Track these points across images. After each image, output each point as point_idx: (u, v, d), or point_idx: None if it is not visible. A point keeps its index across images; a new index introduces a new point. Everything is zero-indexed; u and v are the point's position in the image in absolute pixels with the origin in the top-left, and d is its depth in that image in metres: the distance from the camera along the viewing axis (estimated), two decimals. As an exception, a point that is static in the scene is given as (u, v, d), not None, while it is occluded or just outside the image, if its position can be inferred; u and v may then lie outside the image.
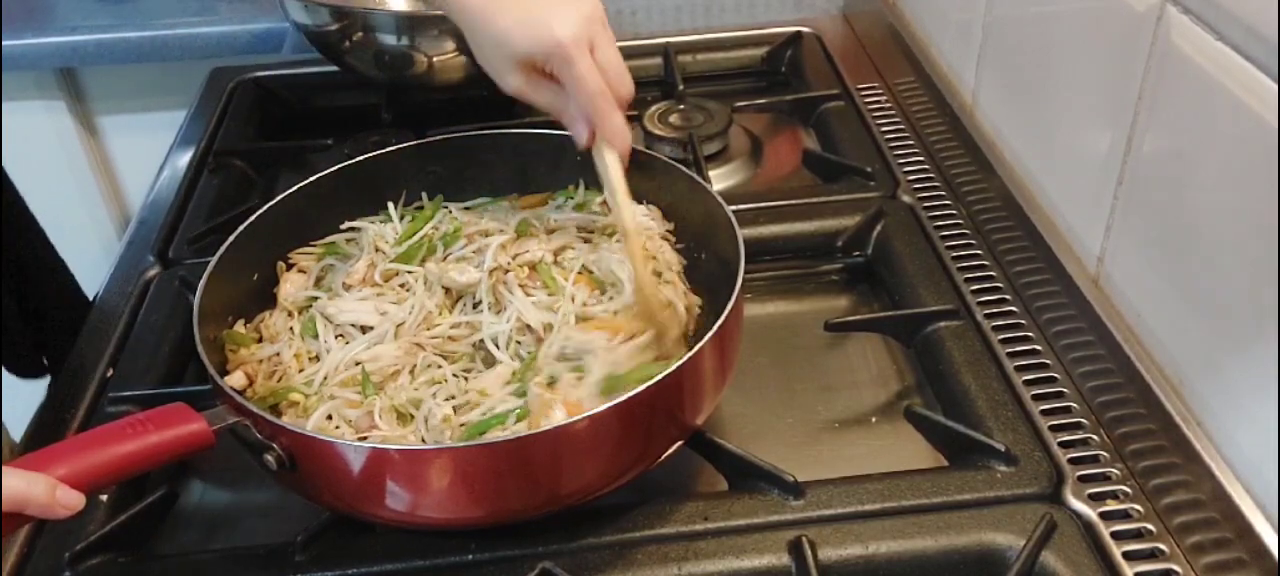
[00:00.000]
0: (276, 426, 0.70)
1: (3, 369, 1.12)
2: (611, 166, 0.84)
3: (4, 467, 0.61)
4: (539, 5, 0.80)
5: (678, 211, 0.94)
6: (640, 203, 0.94)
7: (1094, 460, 0.81)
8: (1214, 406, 0.74)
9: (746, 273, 0.81)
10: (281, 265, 0.92)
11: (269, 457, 0.71)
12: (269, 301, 0.90)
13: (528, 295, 0.85)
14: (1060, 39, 0.94)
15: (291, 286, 0.90)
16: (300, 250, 0.94)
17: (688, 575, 0.74)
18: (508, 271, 0.88)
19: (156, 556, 0.81)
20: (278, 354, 0.83)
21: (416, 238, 0.91)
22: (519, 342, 0.82)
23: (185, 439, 0.69)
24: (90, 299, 1.09)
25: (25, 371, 1.13)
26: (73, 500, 0.63)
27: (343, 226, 0.95)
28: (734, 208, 0.86)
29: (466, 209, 0.98)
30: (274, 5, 1.27)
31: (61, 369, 0.98)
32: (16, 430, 1.00)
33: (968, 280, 0.99)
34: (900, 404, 0.91)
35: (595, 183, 0.98)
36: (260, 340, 0.86)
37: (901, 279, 0.99)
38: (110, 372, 0.95)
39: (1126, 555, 0.73)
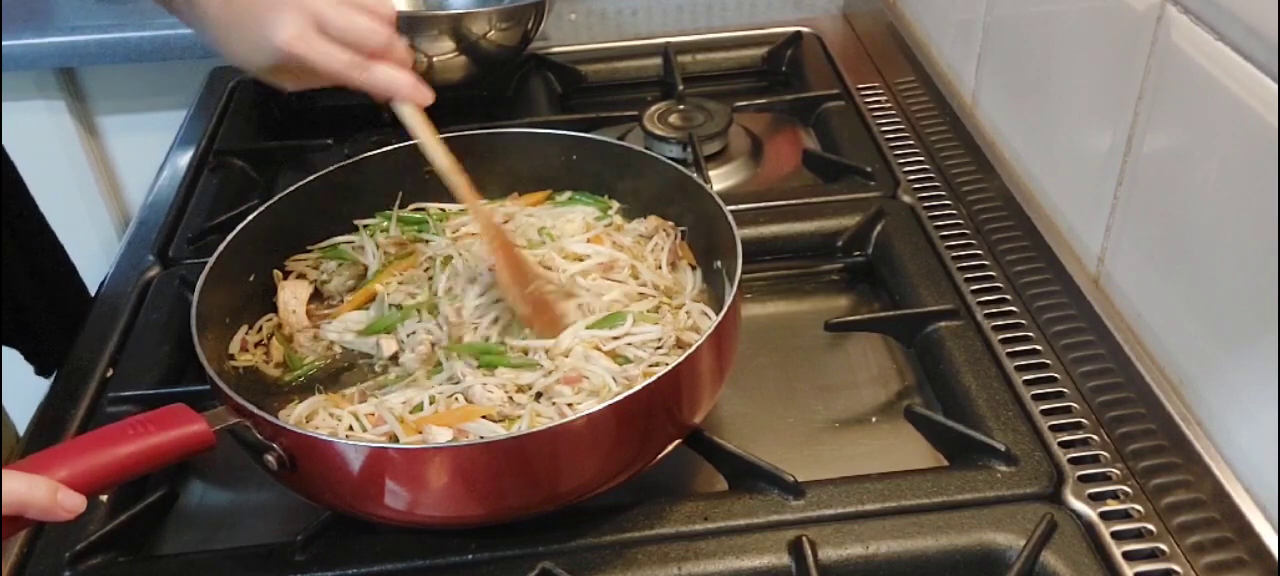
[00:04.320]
0: (277, 426, 0.70)
1: (2, 364, 1.12)
2: (407, 116, 0.83)
3: (5, 470, 0.61)
4: (254, 19, 0.80)
5: (677, 212, 0.94)
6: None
7: (1094, 460, 0.81)
8: (1214, 406, 0.74)
9: (747, 272, 0.81)
10: (277, 273, 0.92)
11: (269, 458, 0.71)
12: (269, 303, 0.90)
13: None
14: (1060, 39, 0.94)
15: (289, 293, 0.90)
16: (295, 257, 0.94)
17: (688, 575, 0.74)
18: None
19: (156, 556, 0.81)
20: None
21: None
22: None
23: (186, 440, 0.69)
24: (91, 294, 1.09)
25: (46, 366, 1.13)
26: (74, 502, 0.63)
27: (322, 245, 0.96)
28: (734, 207, 0.86)
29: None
30: (274, 5, 1.27)
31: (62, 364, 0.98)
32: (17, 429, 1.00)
33: (968, 280, 0.99)
34: (900, 404, 0.91)
35: (591, 186, 0.99)
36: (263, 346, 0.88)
37: (901, 279, 0.99)
38: (110, 372, 0.95)
39: (1126, 555, 0.73)
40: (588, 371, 0.78)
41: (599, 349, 0.80)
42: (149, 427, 0.68)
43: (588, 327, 0.82)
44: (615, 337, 0.81)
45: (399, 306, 0.88)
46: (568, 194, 1.00)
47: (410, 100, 0.82)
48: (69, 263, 1.21)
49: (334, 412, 0.77)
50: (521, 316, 0.83)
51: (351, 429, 0.76)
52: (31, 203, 1.16)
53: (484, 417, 0.76)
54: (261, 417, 0.70)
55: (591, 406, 0.76)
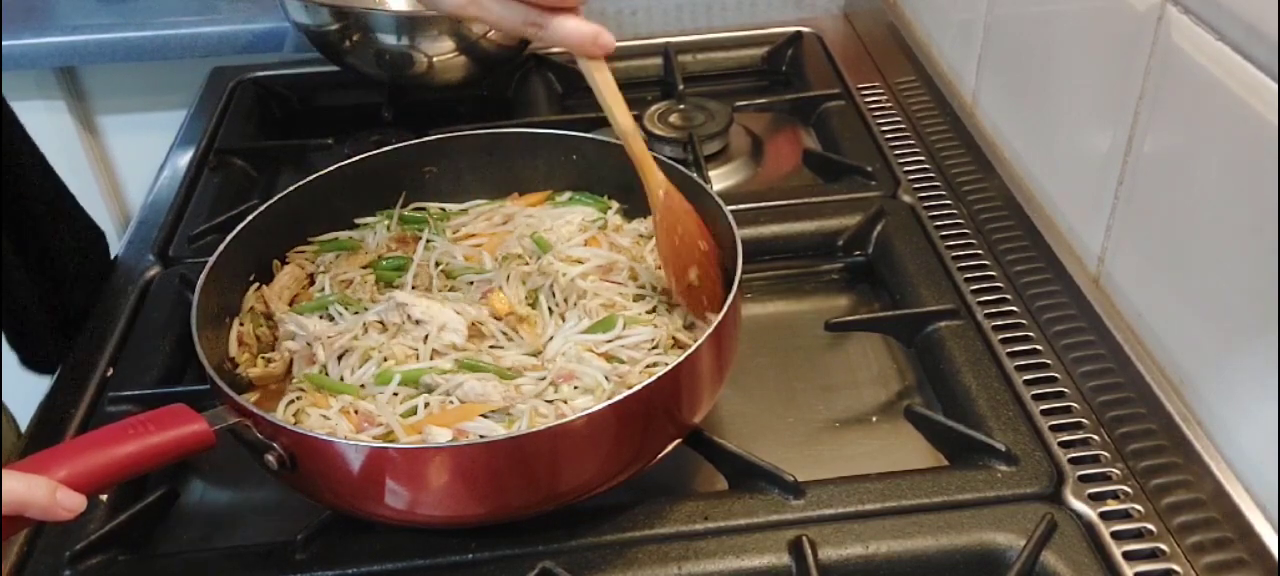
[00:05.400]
0: (277, 426, 0.70)
1: (2, 363, 1.11)
2: (591, 71, 0.80)
3: (5, 470, 0.61)
4: None
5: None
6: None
7: (1094, 460, 0.81)
8: (1214, 406, 0.74)
9: (747, 272, 0.81)
10: (278, 263, 0.92)
11: (269, 457, 0.71)
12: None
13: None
14: (1061, 39, 0.94)
15: (286, 276, 0.90)
16: (296, 249, 0.94)
17: (688, 575, 0.74)
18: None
19: (157, 555, 0.81)
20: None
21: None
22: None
23: (186, 439, 0.69)
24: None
25: (40, 363, 1.12)
26: (73, 502, 0.63)
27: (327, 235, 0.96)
28: (734, 207, 0.86)
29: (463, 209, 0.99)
30: (274, 5, 1.27)
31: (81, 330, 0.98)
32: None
33: (968, 280, 0.99)
34: (900, 404, 0.91)
35: (591, 186, 0.99)
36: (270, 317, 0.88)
37: (902, 278, 0.99)
38: (110, 372, 0.95)
39: (1126, 555, 0.73)
40: (580, 371, 0.78)
41: (592, 351, 0.80)
42: (149, 427, 0.68)
43: (579, 333, 0.81)
44: (608, 341, 0.81)
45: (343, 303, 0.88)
46: (568, 194, 1.00)
47: (591, 54, 0.78)
48: (96, 233, 1.19)
49: (324, 413, 0.78)
50: (680, 299, 0.83)
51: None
52: (50, 176, 1.15)
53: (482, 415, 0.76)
54: (261, 417, 0.70)
55: (587, 404, 0.76)
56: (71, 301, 1.09)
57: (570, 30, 0.77)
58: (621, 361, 0.80)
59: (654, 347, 0.81)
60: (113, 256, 1.10)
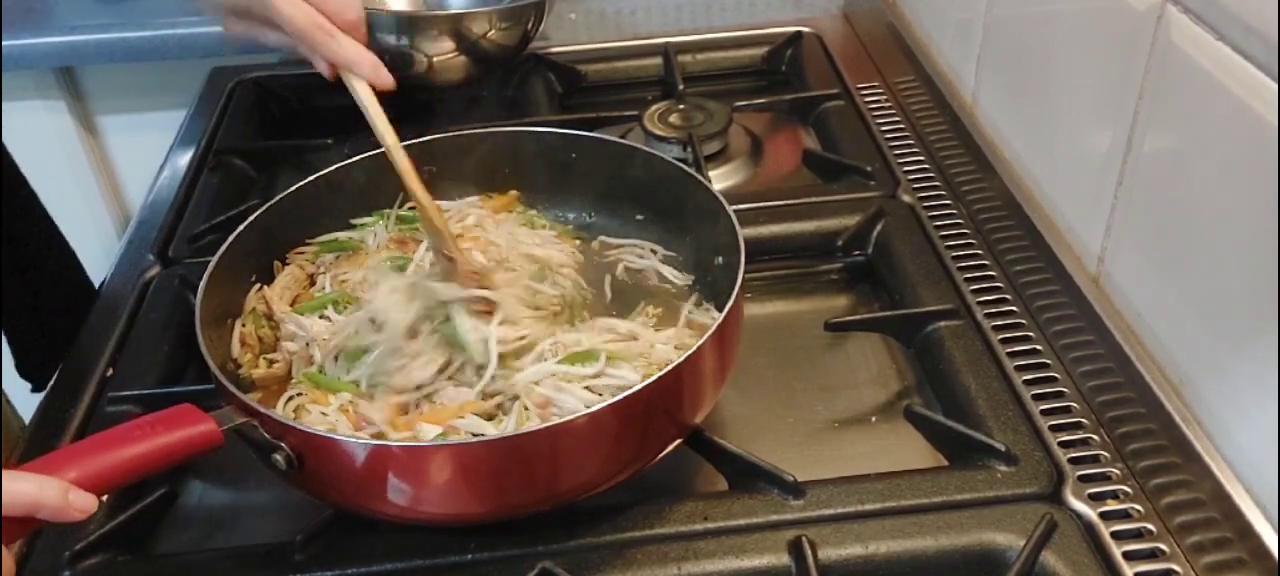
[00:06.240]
0: (285, 426, 0.71)
1: (2, 360, 1.12)
2: (360, 92, 0.83)
3: (17, 472, 0.62)
4: None
5: (678, 211, 0.94)
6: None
7: (1094, 460, 0.81)
8: (1214, 406, 0.74)
9: (746, 272, 0.81)
10: (278, 264, 0.92)
11: (277, 457, 0.71)
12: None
13: None
14: (1060, 38, 0.94)
15: (287, 277, 0.90)
16: (296, 251, 0.94)
17: (688, 575, 0.74)
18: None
19: (156, 556, 0.81)
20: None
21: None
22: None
23: (195, 440, 0.69)
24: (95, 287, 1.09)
25: (39, 377, 1.13)
26: (85, 503, 0.63)
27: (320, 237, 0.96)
28: (734, 207, 0.86)
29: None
30: (274, 5, 1.27)
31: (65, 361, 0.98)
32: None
33: (968, 280, 0.99)
34: (900, 404, 0.91)
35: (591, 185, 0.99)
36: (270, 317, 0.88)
37: (901, 279, 0.99)
38: (110, 372, 0.95)
39: (1126, 555, 0.73)
40: (558, 399, 0.76)
41: (572, 381, 0.78)
42: (158, 428, 0.68)
43: (558, 363, 0.79)
44: (593, 376, 0.78)
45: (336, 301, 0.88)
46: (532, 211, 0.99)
47: (370, 79, 0.82)
48: (74, 261, 1.21)
49: (323, 410, 0.78)
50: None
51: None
52: (34, 201, 1.16)
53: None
54: (269, 417, 0.70)
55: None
56: (56, 325, 1.10)
57: (357, 51, 0.82)
58: (599, 396, 0.77)
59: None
60: (99, 283, 1.10)
